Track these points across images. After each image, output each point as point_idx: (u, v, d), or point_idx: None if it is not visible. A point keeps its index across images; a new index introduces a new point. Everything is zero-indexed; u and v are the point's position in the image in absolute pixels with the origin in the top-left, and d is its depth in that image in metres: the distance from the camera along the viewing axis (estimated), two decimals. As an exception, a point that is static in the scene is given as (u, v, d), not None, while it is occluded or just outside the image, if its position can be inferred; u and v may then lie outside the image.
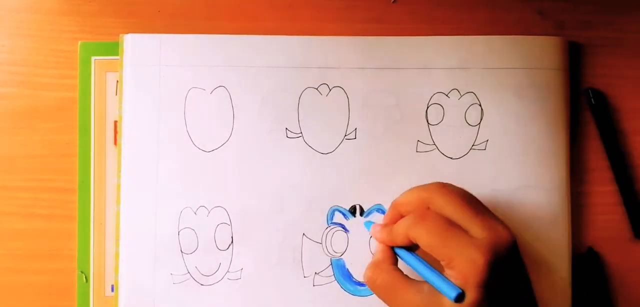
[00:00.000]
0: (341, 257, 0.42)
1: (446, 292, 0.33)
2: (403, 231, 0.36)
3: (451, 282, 0.33)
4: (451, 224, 0.35)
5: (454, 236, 0.34)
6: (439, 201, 0.36)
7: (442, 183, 0.38)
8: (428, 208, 0.36)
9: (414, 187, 0.38)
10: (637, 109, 0.44)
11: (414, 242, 0.36)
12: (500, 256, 0.33)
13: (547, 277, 0.42)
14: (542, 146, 0.42)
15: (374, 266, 0.37)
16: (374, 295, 0.37)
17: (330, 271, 0.42)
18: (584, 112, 0.44)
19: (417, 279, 0.36)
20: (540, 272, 0.42)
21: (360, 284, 0.42)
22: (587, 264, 0.43)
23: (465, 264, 0.33)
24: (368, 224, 0.41)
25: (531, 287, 0.36)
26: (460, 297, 0.33)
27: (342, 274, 0.42)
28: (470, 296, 0.33)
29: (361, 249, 0.42)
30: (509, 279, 0.34)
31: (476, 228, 0.34)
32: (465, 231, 0.34)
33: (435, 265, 0.35)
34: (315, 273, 0.42)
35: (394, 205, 0.39)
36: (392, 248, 0.38)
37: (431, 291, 0.34)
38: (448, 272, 0.34)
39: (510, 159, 0.42)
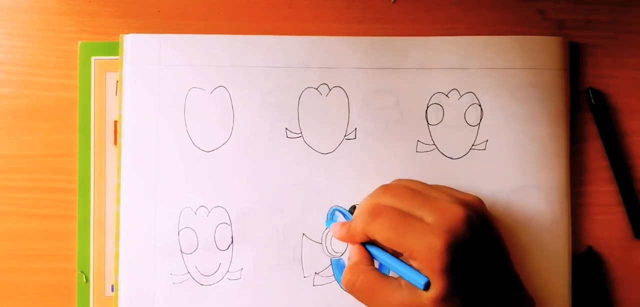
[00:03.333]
0: (341, 257, 0.42)
1: (416, 282, 0.33)
2: (360, 229, 0.36)
3: (419, 271, 0.33)
4: (405, 214, 0.35)
5: (408, 225, 0.34)
6: (386, 199, 0.36)
7: (385, 185, 0.38)
8: (382, 204, 0.36)
9: (365, 198, 0.38)
10: (637, 109, 0.44)
11: (373, 238, 0.36)
12: (457, 236, 0.33)
13: (547, 277, 0.42)
14: (542, 146, 0.42)
15: (351, 268, 0.37)
16: None
17: (330, 271, 0.42)
18: (584, 112, 0.44)
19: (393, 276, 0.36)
20: (540, 272, 0.42)
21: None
22: (587, 264, 0.43)
23: (425, 252, 0.33)
24: (328, 223, 0.41)
25: (505, 252, 0.36)
26: (428, 285, 0.33)
27: (342, 274, 0.42)
28: (437, 283, 0.32)
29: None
30: (471, 255, 0.34)
31: (428, 214, 0.34)
32: (419, 219, 0.34)
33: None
34: (315, 273, 0.42)
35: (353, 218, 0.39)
36: (366, 248, 0.37)
37: (409, 286, 0.34)
38: (412, 263, 0.34)
39: (510, 159, 0.42)
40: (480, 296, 0.34)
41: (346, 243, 0.42)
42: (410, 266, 0.34)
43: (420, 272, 0.33)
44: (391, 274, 0.37)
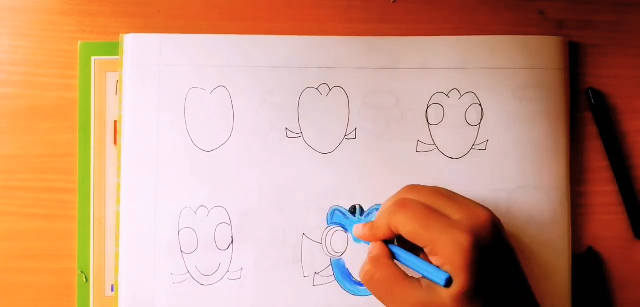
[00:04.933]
0: (341, 257, 0.42)
1: (437, 278, 0.33)
2: (384, 222, 0.36)
3: (440, 268, 0.33)
4: (431, 209, 0.35)
5: (435, 219, 0.34)
6: (413, 195, 0.36)
7: (412, 185, 0.38)
8: (409, 198, 0.36)
9: (387, 199, 0.38)
10: (637, 109, 0.44)
11: (396, 231, 0.36)
12: (483, 237, 0.33)
13: (547, 277, 0.42)
14: (542, 146, 0.42)
15: (373, 260, 0.36)
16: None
17: (330, 271, 0.42)
18: (584, 112, 0.44)
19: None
20: (540, 272, 0.42)
21: (361, 284, 0.42)
22: (587, 264, 0.43)
23: (450, 248, 0.32)
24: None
25: (519, 265, 0.36)
26: (449, 282, 0.32)
27: (342, 274, 0.42)
28: (460, 280, 0.32)
29: (361, 249, 0.42)
30: (495, 258, 0.34)
31: (455, 212, 0.34)
32: (446, 216, 0.34)
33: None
34: (315, 273, 0.42)
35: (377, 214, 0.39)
36: (387, 245, 0.37)
37: (429, 286, 0.34)
38: (433, 259, 0.34)
39: (510, 159, 0.42)
40: (499, 301, 0.33)
41: (347, 243, 0.42)
42: (428, 262, 0.34)
43: (437, 267, 0.33)
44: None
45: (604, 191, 0.44)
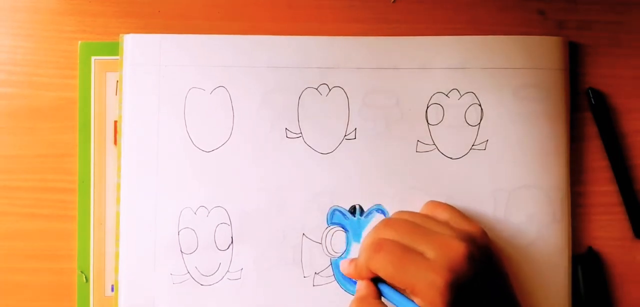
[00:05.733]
0: (341, 257, 0.42)
1: None
2: (363, 264, 0.37)
3: None
4: (406, 249, 0.35)
5: (410, 261, 0.34)
6: (388, 233, 0.36)
7: (387, 218, 0.39)
8: (383, 239, 0.36)
9: (368, 234, 0.39)
10: (637, 109, 0.44)
11: (376, 273, 0.36)
12: (460, 273, 0.33)
13: (547, 277, 0.42)
14: (542, 146, 0.42)
15: (358, 302, 0.37)
16: None
17: (330, 271, 0.42)
18: (584, 112, 0.44)
19: None
20: (540, 272, 0.42)
21: (360, 284, 0.42)
22: (587, 264, 0.43)
23: (427, 290, 0.33)
24: (336, 262, 0.42)
25: (506, 281, 0.36)
26: None
27: (342, 274, 0.42)
28: None
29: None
30: (475, 289, 0.34)
31: (429, 249, 0.34)
32: (421, 254, 0.34)
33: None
34: (315, 273, 0.42)
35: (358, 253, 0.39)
36: (376, 282, 0.37)
37: None
38: (415, 300, 0.34)
39: (510, 159, 0.42)
40: None
41: (347, 243, 0.42)
42: (414, 302, 0.34)
43: None
44: None
45: (604, 191, 0.44)
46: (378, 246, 0.36)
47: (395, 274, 0.34)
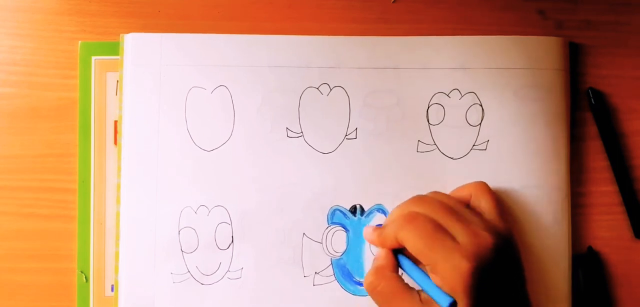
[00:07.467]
0: (341, 257, 0.42)
1: (439, 300, 0.34)
2: (392, 233, 0.37)
3: (443, 291, 0.34)
4: (439, 227, 0.35)
5: (440, 240, 0.34)
6: (422, 208, 0.37)
7: (422, 195, 0.39)
8: (417, 212, 0.36)
9: (398, 206, 0.39)
10: (637, 109, 0.44)
11: (403, 244, 0.36)
12: (485, 262, 0.34)
13: (547, 277, 0.42)
14: (542, 146, 0.42)
15: (376, 271, 0.37)
16: None
17: (330, 271, 0.42)
18: (584, 112, 0.44)
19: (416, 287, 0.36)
20: (540, 272, 0.42)
21: (361, 284, 0.42)
22: (587, 264, 0.43)
23: (450, 271, 0.33)
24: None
25: (523, 280, 0.37)
26: (452, 306, 0.33)
27: (342, 274, 0.42)
28: (460, 304, 0.33)
29: (361, 249, 0.42)
30: (496, 283, 0.34)
31: (459, 233, 0.35)
32: (451, 236, 0.35)
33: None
34: (315, 273, 0.42)
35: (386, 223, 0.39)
36: (394, 254, 0.38)
37: (427, 300, 0.35)
38: (433, 277, 0.35)
39: (511, 159, 0.42)
40: None
41: (347, 243, 0.42)
42: (432, 280, 0.35)
43: (442, 290, 0.34)
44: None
45: (604, 191, 0.44)
46: (412, 218, 0.36)
47: (424, 248, 0.35)
